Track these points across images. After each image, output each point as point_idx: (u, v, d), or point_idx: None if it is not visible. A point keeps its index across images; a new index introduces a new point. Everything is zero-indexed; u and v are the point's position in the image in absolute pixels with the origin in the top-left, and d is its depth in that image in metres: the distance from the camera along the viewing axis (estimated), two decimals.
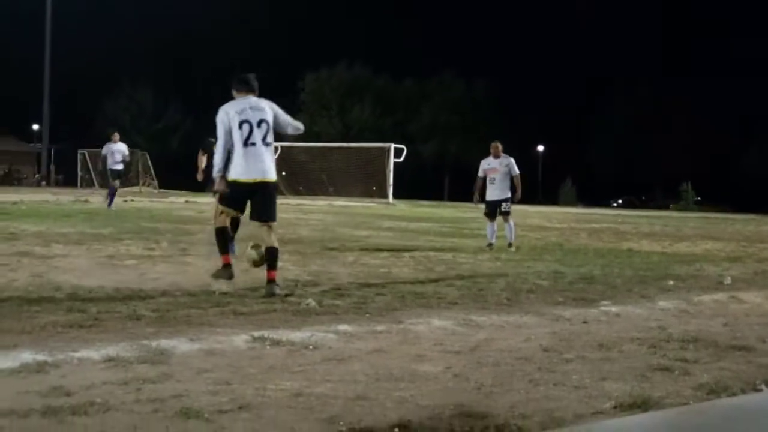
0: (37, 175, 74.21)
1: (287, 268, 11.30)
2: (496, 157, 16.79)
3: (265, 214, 9.10)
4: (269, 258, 9.00)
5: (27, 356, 5.53)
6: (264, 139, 8.94)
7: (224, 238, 9.19)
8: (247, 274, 10.37)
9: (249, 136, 8.87)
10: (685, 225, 32.01)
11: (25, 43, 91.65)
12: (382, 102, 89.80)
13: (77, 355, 5.66)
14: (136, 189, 55.82)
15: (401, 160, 47.41)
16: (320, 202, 30.18)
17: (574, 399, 5.05)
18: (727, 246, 20.25)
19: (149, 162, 62.29)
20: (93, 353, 5.72)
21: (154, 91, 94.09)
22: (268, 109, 9.11)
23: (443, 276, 11.22)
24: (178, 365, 5.53)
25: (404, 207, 40.89)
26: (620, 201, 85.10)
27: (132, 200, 35.25)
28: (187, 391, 4.86)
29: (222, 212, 9.21)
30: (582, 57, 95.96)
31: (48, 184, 66.35)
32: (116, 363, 5.49)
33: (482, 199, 16.91)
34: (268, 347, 6.23)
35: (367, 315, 7.83)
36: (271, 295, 8.62)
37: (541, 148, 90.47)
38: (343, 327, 7.10)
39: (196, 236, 16.38)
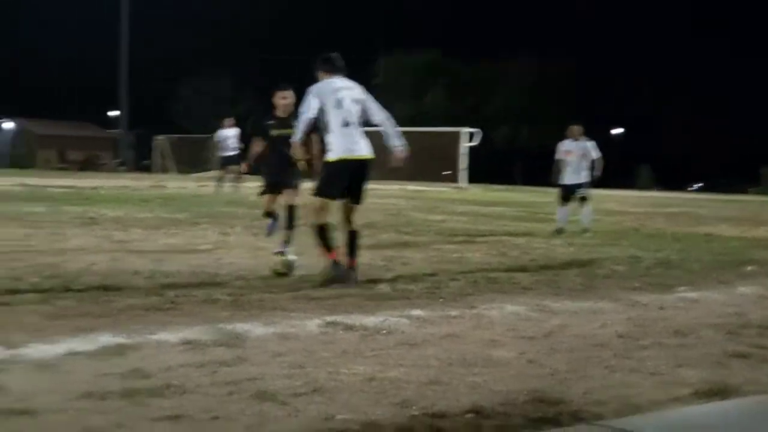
0: (115, 161, 75.36)
1: (361, 252, 11.32)
2: (575, 139, 16.61)
3: (359, 195, 8.86)
4: (350, 243, 8.82)
5: (106, 339, 5.63)
6: (358, 119, 8.78)
7: (327, 234, 8.76)
8: (319, 258, 10.43)
9: (347, 115, 8.68)
10: (764, 209, 31.39)
11: (101, 30, 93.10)
12: (456, 85, 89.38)
13: (155, 337, 5.76)
14: (211, 174, 56.39)
15: (476, 143, 47.20)
16: (393, 187, 30.23)
17: (650, 385, 4.99)
18: None
19: None
20: (170, 336, 5.81)
21: (232, 75, 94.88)
22: (361, 90, 8.96)
23: (517, 261, 11.16)
24: (253, 349, 5.59)
25: (477, 191, 40.73)
26: (698, 185, 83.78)
27: (207, 185, 35.62)
28: (262, 375, 4.91)
29: (321, 207, 8.76)
30: (660, 38, 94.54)
31: (126, 170, 67.32)
32: (193, 346, 5.57)
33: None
34: (341, 332, 6.27)
35: (441, 300, 7.83)
36: (357, 282, 8.49)
37: (617, 131, 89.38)
38: (416, 312, 7.10)
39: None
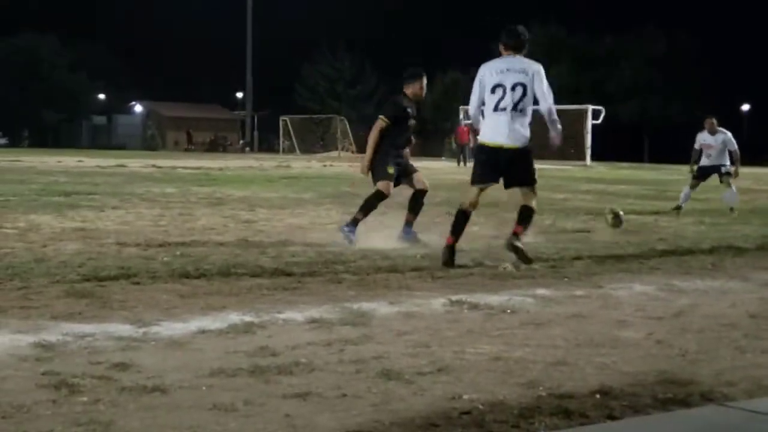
0: (241, 142, 76.69)
1: (482, 232, 11.30)
2: (712, 133, 16.16)
3: (521, 178, 8.75)
4: (520, 214, 8.69)
5: (234, 317, 5.76)
6: (516, 105, 8.44)
7: (458, 219, 8.74)
8: (443, 237, 10.43)
9: (500, 101, 8.47)
10: None
11: (226, 14, 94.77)
12: (580, 61, 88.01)
13: (282, 316, 5.85)
14: (334, 154, 56.94)
15: (599, 121, 46.50)
16: None
17: None
18: None
19: (348, 127, 63.31)
20: (297, 315, 5.90)
21: (351, 57, 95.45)
22: (530, 73, 8.53)
23: (644, 240, 10.96)
24: (378, 327, 5.63)
25: (603, 169, 40.14)
26: None
27: (331, 165, 36.00)
28: (388, 353, 4.94)
29: (470, 190, 8.90)
30: None
31: (251, 150, 68.48)
32: (319, 324, 5.64)
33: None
34: (465, 311, 6.26)
35: (566, 279, 7.75)
36: (511, 246, 8.40)
37: (746, 107, 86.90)
38: (541, 291, 7.06)
39: (396, 200, 16.56)
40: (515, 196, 8.85)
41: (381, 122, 10.10)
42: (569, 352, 5.11)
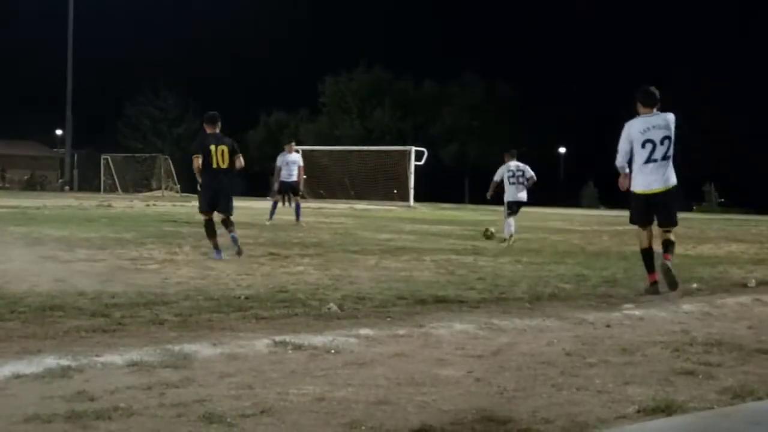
0: (60, 180, 74.56)
1: (308, 272, 11.33)
2: (512, 161, 19.18)
3: (665, 219, 10.42)
4: (665, 244, 10.33)
5: (51, 361, 5.56)
6: (665, 154, 10.05)
7: (649, 258, 10.34)
8: (267, 278, 10.42)
9: (651, 153, 10.02)
10: (709, 227, 31.82)
11: (47, 49, 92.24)
12: (403, 105, 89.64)
13: (101, 359, 5.69)
14: (158, 193, 56.04)
15: (422, 163, 47.39)
16: (341, 206, 30.16)
17: (597, 403, 5.03)
18: (752, 248, 20.09)
19: (171, 166, 62.49)
20: (116, 358, 5.75)
21: (174, 96, 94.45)
22: (671, 125, 10.17)
23: (464, 279, 11.19)
24: (201, 370, 5.55)
25: (425, 210, 40.87)
26: None
27: (154, 204, 35.38)
28: (210, 396, 4.88)
29: (638, 233, 10.57)
30: (602, 58, 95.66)
31: (71, 189, 66.64)
32: (140, 367, 5.52)
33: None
34: (289, 351, 6.25)
35: (389, 319, 7.83)
36: (665, 269, 10.09)
37: (562, 150, 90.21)
38: (364, 331, 7.10)
39: (218, 241, 16.41)
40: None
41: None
42: (391, 391, 5.16)
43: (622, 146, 10.34)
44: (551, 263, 13.97)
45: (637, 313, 8.71)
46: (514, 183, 18.92)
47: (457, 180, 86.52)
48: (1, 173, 71.74)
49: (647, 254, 10.39)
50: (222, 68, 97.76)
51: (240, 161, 13.46)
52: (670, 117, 10.23)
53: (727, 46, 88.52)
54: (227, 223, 13.45)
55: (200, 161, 13.20)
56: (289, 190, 23.60)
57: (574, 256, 15.60)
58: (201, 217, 13.73)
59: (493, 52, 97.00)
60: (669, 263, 10.13)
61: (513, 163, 19.18)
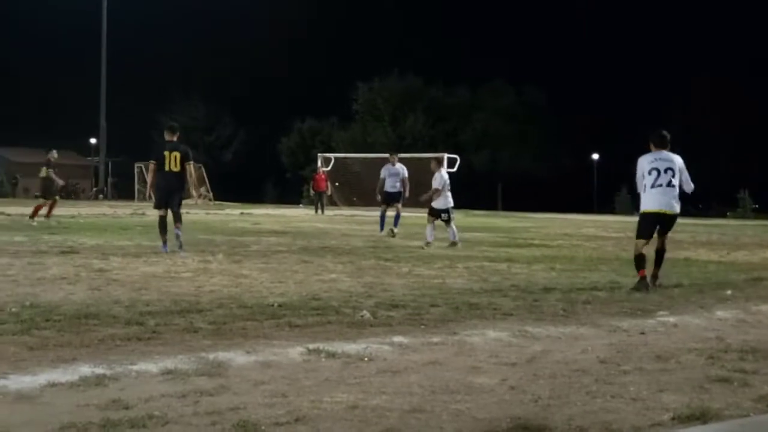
0: (94, 189, 75.12)
1: (341, 279, 11.34)
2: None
3: (664, 230, 11.88)
4: (657, 258, 12.00)
5: (86, 369, 5.60)
6: (669, 182, 11.49)
7: (641, 260, 11.58)
8: (301, 285, 10.44)
9: (656, 179, 11.49)
10: (743, 233, 31.55)
11: (81, 59, 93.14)
12: (435, 111, 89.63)
13: (135, 368, 5.73)
14: (191, 201, 56.30)
15: (454, 170, 47.33)
16: (374, 213, 30.12)
17: (632, 411, 5.00)
18: None
19: (204, 174, 62.76)
20: (151, 366, 5.78)
21: (206, 105, 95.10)
22: (675, 161, 11.71)
23: (498, 287, 11.16)
24: (235, 377, 5.57)
25: (458, 217, 40.74)
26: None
27: (187, 213, 35.53)
28: (244, 404, 4.89)
29: (637, 244, 11.77)
30: (636, 62, 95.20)
31: (105, 198, 67.11)
32: (174, 376, 5.55)
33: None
34: (323, 359, 6.25)
35: (422, 326, 7.82)
36: (643, 287, 11.23)
37: (596, 156, 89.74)
38: (398, 339, 7.10)
39: (251, 248, 16.48)
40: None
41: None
42: (425, 398, 5.15)
43: (638, 177, 11.87)
44: (585, 270, 13.91)
45: (671, 320, 8.66)
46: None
47: (490, 186, 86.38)
48: (14, 182, 72.37)
49: (640, 257, 11.61)
50: (255, 76, 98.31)
51: (190, 168, 15.65)
52: (676, 157, 11.80)
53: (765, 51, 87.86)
54: (176, 219, 15.36)
55: (154, 166, 15.70)
56: (392, 201, 23.55)
57: (608, 263, 15.52)
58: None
59: (523, 58, 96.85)
60: (656, 282, 11.81)
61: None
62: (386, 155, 25.54)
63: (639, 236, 11.79)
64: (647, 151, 11.70)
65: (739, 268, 15.23)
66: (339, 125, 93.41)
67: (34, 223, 21.81)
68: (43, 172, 24.01)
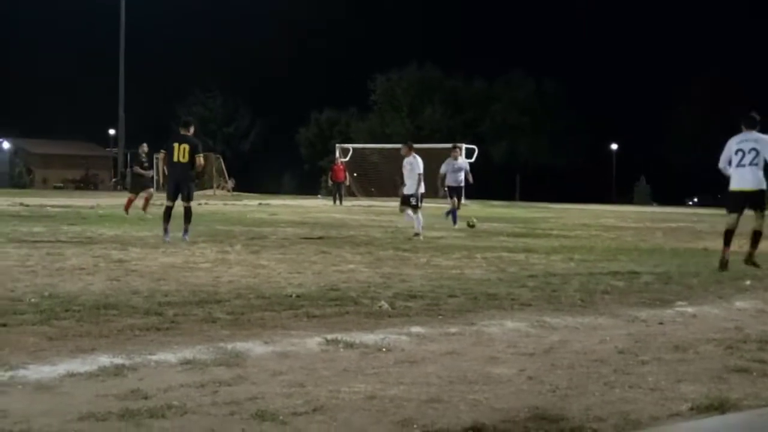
0: (113, 179, 75.41)
1: (360, 270, 11.35)
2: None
3: (755, 207, 12.71)
4: (753, 237, 12.85)
5: (105, 360, 5.63)
6: (752, 161, 12.44)
7: (727, 237, 12.78)
8: (319, 276, 10.45)
9: (741, 159, 12.50)
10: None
11: (101, 50, 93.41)
12: (453, 102, 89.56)
13: (154, 358, 5.75)
14: (210, 192, 56.43)
15: (473, 160, 47.28)
16: (392, 203, 30.15)
17: (650, 401, 4.99)
18: None
19: (223, 165, 62.88)
20: (170, 356, 5.80)
21: (223, 95, 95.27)
22: (760, 142, 12.50)
23: (516, 277, 11.15)
24: (253, 368, 5.58)
25: (476, 207, 40.67)
26: (696, 199, 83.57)
27: (206, 203, 35.65)
28: (262, 394, 4.90)
29: (728, 220, 12.87)
30: (654, 52, 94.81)
31: (124, 188, 67.35)
32: (193, 366, 5.57)
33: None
34: (341, 350, 6.26)
35: (440, 317, 7.82)
36: (750, 263, 12.68)
37: (614, 146, 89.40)
38: (416, 329, 7.10)
39: (269, 239, 16.52)
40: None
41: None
42: (443, 389, 5.15)
43: (724, 154, 12.88)
44: (603, 260, 13.88)
45: (689, 310, 8.63)
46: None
47: (508, 177, 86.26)
48: (30, 173, 72.69)
49: (727, 233, 12.76)
50: (273, 67, 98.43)
51: (199, 160, 15.94)
52: (763, 137, 12.56)
53: None
54: (186, 217, 15.71)
55: (164, 155, 16.28)
56: (458, 195, 23.65)
57: (626, 253, 15.49)
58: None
59: (542, 49, 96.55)
60: (752, 258, 12.82)
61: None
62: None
63: (728, 211, 12.96)
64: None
65: (759, 258, 15.11)
66: (357, 116, 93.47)
67: (149, 216, 21.71)
68: (137, 169, 24.59)
